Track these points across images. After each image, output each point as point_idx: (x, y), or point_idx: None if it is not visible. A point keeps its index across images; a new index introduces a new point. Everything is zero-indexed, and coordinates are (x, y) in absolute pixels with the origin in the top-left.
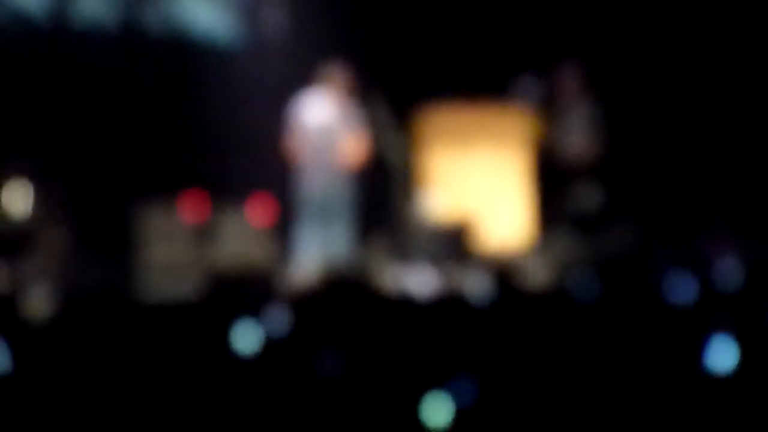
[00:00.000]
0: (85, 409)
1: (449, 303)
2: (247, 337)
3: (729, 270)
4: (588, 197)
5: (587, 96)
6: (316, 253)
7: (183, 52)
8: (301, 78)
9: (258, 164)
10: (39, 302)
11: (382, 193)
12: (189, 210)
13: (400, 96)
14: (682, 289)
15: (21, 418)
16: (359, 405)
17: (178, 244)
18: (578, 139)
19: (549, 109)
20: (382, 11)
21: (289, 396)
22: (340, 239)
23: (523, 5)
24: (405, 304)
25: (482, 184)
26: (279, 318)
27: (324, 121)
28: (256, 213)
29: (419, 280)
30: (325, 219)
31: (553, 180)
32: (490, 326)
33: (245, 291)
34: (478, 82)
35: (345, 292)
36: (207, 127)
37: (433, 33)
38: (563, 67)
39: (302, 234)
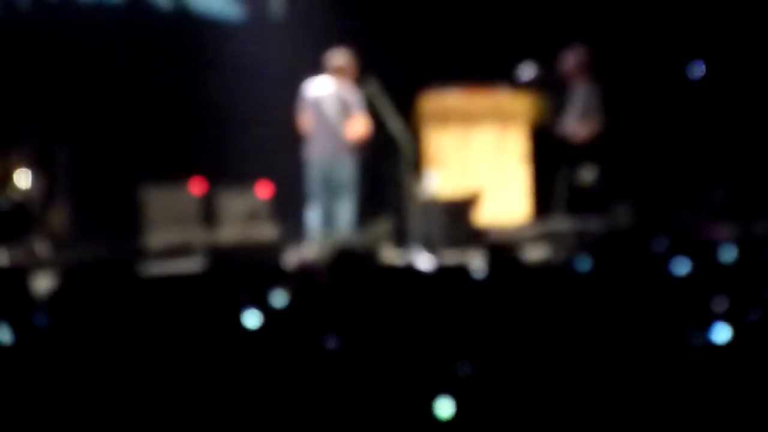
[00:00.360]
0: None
1: (451, 277)
2: (252, 312)
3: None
4: (587, 175)
5: (588, 77)
6: (322, 228)
7: (189, 32)
8: (303, 60)
9: (262, 144)
10: (44, 278)
11: (386, 172)
12: (193, 189)
13: (403, 78)
14: (680, 265)
15: (25, 393)
16: (361, 379)
17: (183, 223)
18: (578, 118)
19: (550, 91)
20: None
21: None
22: (345, 215)
23: None
24: (408, 278)
25: (483, 164)
26: (284, 293)
27: (329, 101)
28: (261, 191)
29: (422, 256)
30: (330, 196)
31: (552, 159)
32: (489, 300)
33: (250, 266)
34: (480, 66)
35: (350, 267)
36: (211, 108)
37: (436, 17)
38: (566, 49)
39: (310, 210)
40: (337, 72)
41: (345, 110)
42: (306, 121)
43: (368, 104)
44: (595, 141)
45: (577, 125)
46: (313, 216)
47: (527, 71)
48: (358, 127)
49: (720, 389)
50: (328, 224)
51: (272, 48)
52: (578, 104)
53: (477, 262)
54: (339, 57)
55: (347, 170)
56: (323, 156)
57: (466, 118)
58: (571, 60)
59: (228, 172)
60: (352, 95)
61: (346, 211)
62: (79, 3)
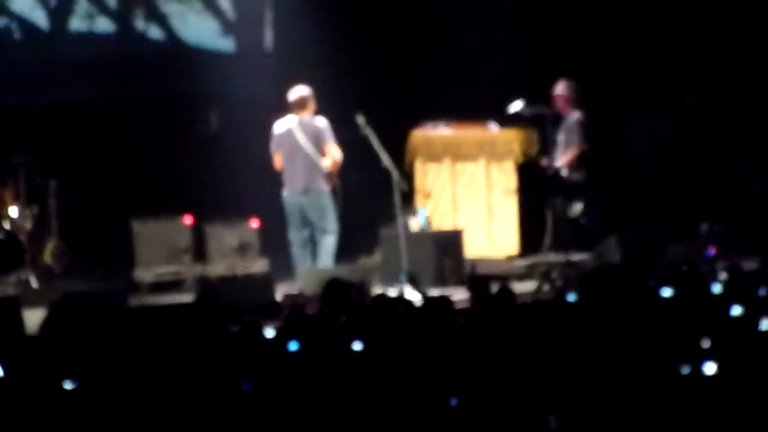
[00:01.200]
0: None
1: (439, 310)
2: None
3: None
4: (575, 209)
5: (577, 109)
6: (305, 262)
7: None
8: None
9: (252, 178)
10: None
11: (376, 206)
12: (183, 225)
13: (393, 114)
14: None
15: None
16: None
17: (174, 256)
18: (566, 152)
19: (537, 125)
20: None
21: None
22: (326, 247)
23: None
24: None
25: (472, 198)
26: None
27: (299, 135)
28: (251, 225)
29: (411, 289)
30: (311, 229)
31: (541, 193)
32: (476, 332)
33: (240, 299)
34: (469, 102)
35: (340, 298)
36: (202, 141)
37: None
38: (556, 83)
39: (293, 246)
40: (301, 106)
41: (316, 141)
42: (278, 158)
43: (359, 139)
44: (583, 175)
45: (565, 159)
46: (294, 250)
47: (516, 105)
48: (334, 154)
49: (708, 420)
50: (312, 257)
51: (262, 80)
52: (568, 136)
53: (465, 295)
54: (299, 91)
55: (323, 201)
56: (297, 190)
57: (456, 153)
58: (559, 93)
59: (218, 206)
60: (321, 125)
61: (326, 243)
62: (69, 32)
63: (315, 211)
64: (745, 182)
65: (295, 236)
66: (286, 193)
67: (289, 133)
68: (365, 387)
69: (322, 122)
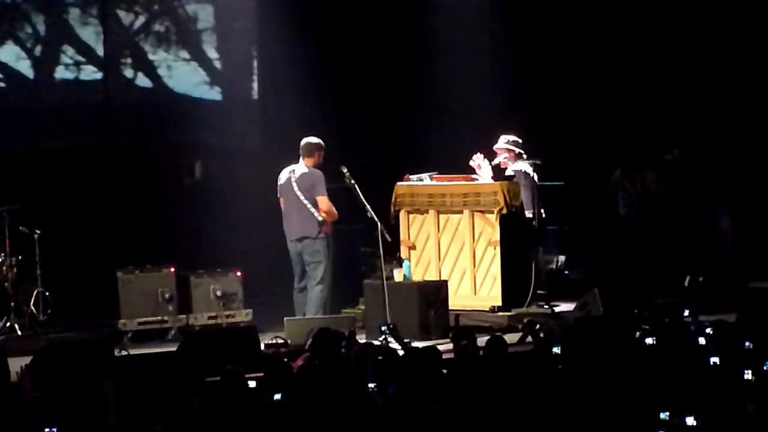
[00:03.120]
0: None
1: (424, 360)
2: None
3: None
4: (558, 262)
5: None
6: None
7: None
8: (277, 141)
9: (236, 227)
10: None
11: (358, 257)
12: (167, 274)
13: (381, 166)
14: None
15: None
16: None
17: (158, 305)
18: (533, 201)
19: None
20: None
21: None
22: (313, 294)
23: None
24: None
25: (456, 250)
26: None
27: (296, 184)
28: (235, 275)
29: (396, 339)
30: (301, 278)
31: (524, 245)
32: (460, 382)
33: (224, 348)
34: (456, 156)
35: (327, 352)
36: (186, 189)
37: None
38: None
39: (325, 289)
40: (303, 153)
41: (310, 191)
42: (281, 204)
43: (344, 190)
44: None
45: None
46: (294, 298)
47: (498, 158)
48: (321, 206)
49: None
50: (302, 308)
51: (248, 129)
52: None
53: (449, 346)
54: (307, 139)
55: (312, 249)
56: (293, 238)
57: (440, 204)
58: (501, 148)
59: (202, 256)
60: (314, 175)
61: (313, 293)
62: (55, 81)
63: (308, 257)
64: (722, 238)
65: (295, 284)
66: (287, 237)
67: (287, 182)
68: None
69: (315, 174)
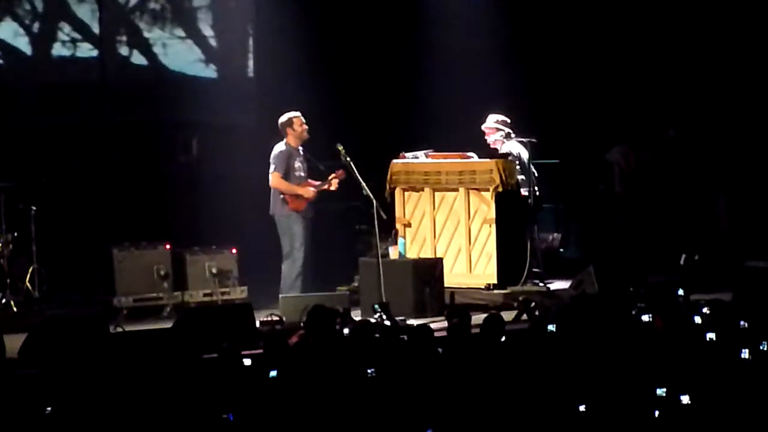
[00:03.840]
0: None
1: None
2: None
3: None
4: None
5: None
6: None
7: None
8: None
9: (232, 205)
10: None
11: (353, 234)
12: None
13: (376, 144)
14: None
15: None
16: None
17: (153, 282)
18: (528, 179)
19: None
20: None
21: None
22: (283, 276)
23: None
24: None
25: (451, 228)
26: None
27: (299, 162)
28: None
29: (389, 316)
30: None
31: (519, 223)
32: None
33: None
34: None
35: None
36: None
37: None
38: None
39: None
40: (291, 134)
41: (269, 169)
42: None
43: (340, 168)
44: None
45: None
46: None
47: (494, 135)
48: (270, 182)
49: None
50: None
51: (244, 107)
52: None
53: (443, 324)
54: (293, 121)
55: (279, 226)
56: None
57: (435, 182)
58: (490, 127)
59: (198, 233)
60: (272, 154)
61: (283, 268)
62: (52, 58)
63: (279, 234)
64: (717, 216)
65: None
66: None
67: (279, 161)
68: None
69: (274, 150)
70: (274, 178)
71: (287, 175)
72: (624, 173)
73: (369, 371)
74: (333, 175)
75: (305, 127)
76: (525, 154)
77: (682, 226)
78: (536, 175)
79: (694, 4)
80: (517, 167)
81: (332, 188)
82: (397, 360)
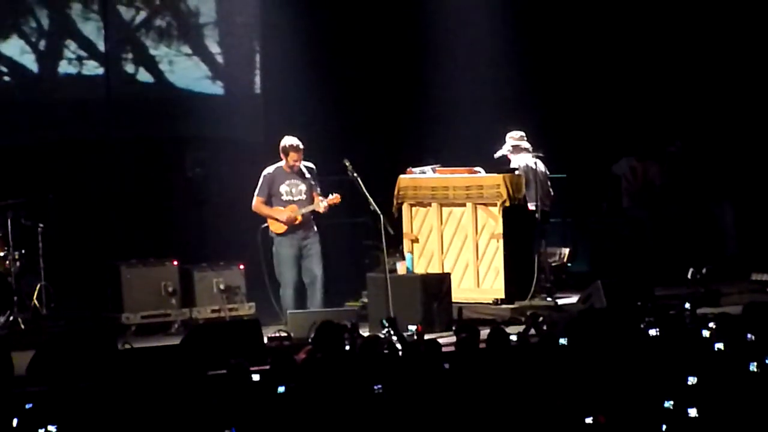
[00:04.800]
0: None
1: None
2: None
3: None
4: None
5: (524, 154)
6: (296, 306)
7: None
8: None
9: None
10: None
11: (361, 250)
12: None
13: (384, 159)
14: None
15: None
16: None
17: (161, 299)
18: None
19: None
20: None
21: None
22: (316, 293)
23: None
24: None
25: (459, 242)
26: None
27: (287, 185)
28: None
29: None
30: (299, 272)
31: (527, 237)
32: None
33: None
34: (459, 148)
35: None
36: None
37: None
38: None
39: (284, 289)
40: (290, 156)
41: (301, 192)
42: (268, 209)
43: (347, 183)
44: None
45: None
46: (288, 295)
47: (501, 150)
48: (317, 207)
49: None
50: (301, 303)
51: (251, 123)
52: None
53: (452, 339)
54: (290, 144)
55: (313, 252)
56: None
57: (443, 197)
58: (509, 140)
59: (205, 249)
60: (307, 177)
61: (316, 289)
62: (59, 75)
63: (306, 256)
64: (724, 230)
65: (287, 280)
66: (279, 237)
67: (278, 182)
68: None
69: (308, 174)
70: (254, 202)
71: (270, 198)
72: (631, 186)
73: (376, 388)
74: (328, 199)
75: (296, 163)
76: (540, 167)
77: (690, 239)
78: (551, 191)
79: (698, 17)
80: (529, 180)
81: (320, 210)
82: (405, 375)
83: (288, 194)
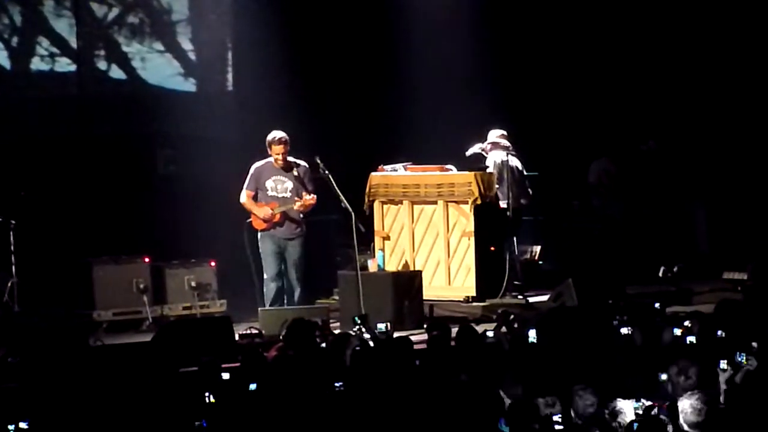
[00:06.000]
0: None
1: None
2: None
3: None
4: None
5: (502, 151)
6: (273, 298)
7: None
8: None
9: (211, 218)
10: None
11: (332, 247)
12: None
13: (355, 157)
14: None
15: None
16: None
17: (132, 296)
18: (508, 192)
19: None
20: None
21: None
22: (293, 290)
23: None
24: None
25: (430, 240)
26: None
27: (273, 181)
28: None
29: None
30: (280, 268)
31: (498, 235)
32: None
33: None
34: (430, 146)
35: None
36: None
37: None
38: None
39: (267, 284)
40: (274, 152)
41: (286, 190)
42: (252, 205)
43: (318, 181)
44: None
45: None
46: (267, 292)
47: (474, 148)
48: (302, 205)
49: None
50: (278, 299)
51: (223, 121)
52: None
53: (423, 336)
54: (275, 140)
55: (294, 248)
56: (270, 237)
57: (414, 195)
58: (489, 137)
59: (177, 246)
60: (292, 175)
61: (293, 287)
62: (31, 72)
63: (286, 252)
64: (696, 229)
65: (266, 276)
66: (261, 233)
67: (263, 179)
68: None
69: (294, 172)
70: (242, 195)
71: (257, 193)
72: (606, 186)
73: (337, 385)
74: (303, 199)
75: (279, 157)
76: (516, 165)
77: (662, 238)
78: (530, 189)
79: (670, 17)
80: (502, 178)
81: (296, 209)
82: (376, 372)
83: (273, 190)
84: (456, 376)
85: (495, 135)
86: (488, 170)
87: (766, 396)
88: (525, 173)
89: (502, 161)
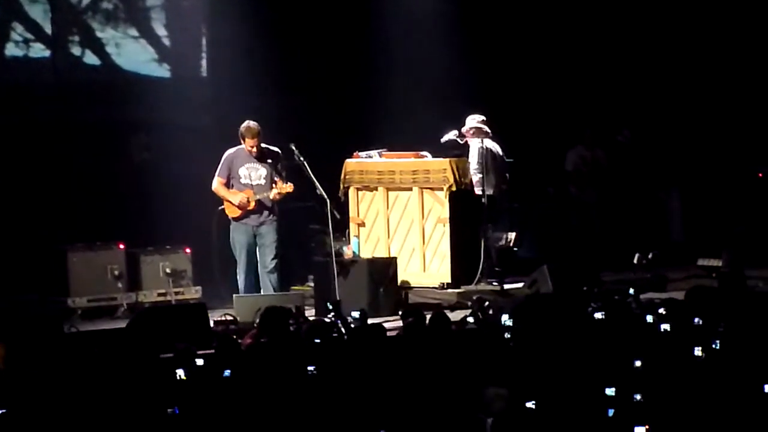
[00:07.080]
0: None
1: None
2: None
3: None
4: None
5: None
6: (248, 289)
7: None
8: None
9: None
10: None
11: (307, 234)
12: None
13: (330, 143)
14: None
15: None
16: None
17: (107, 283)
18: (476, 175)
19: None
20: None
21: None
22: (267, 284)
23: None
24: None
25: (406, 227)
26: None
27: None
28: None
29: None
30: (253, 258)
31: (473, 221)
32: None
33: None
34: (405, 133)
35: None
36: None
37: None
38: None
39: (239, 274)
40: (247, 139)
41: (260, 177)
42: (225, 192)
43: (293, 167)
44: (503, 197)
45: (476, 182)
46: (241, 279)
47: (449, 134)
48: (276, 192)
49: None
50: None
51: (197, 107)
52: (473, 161)
53: (398, 323)
54: (249, 128)
55: (268, 236)
56: (244, 225)
57: (389, 182)
58: (466, 123)
59: (152, 233)
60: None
61: (269, 273)
62: (5, 57)
63: (260, 240)
64: (671, 216)
65: (240, 264)
66: (235, 221)
67: (237, 166)
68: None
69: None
70: (214, 182)
71: (229, 180)
72: (583, 174)
73: (310, 369)
74: (279, 187)
75: (253, 149)
76: (498, 151)
77: (636, 225)
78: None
79: (644, 7)
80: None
81: (271, 198)
82: (349, 359)
83: (246, 177)
84: (429, 363)
85: (476, 120)
86: (471, 156)
87: None
88: (506, 159)
89: (487, 147)
